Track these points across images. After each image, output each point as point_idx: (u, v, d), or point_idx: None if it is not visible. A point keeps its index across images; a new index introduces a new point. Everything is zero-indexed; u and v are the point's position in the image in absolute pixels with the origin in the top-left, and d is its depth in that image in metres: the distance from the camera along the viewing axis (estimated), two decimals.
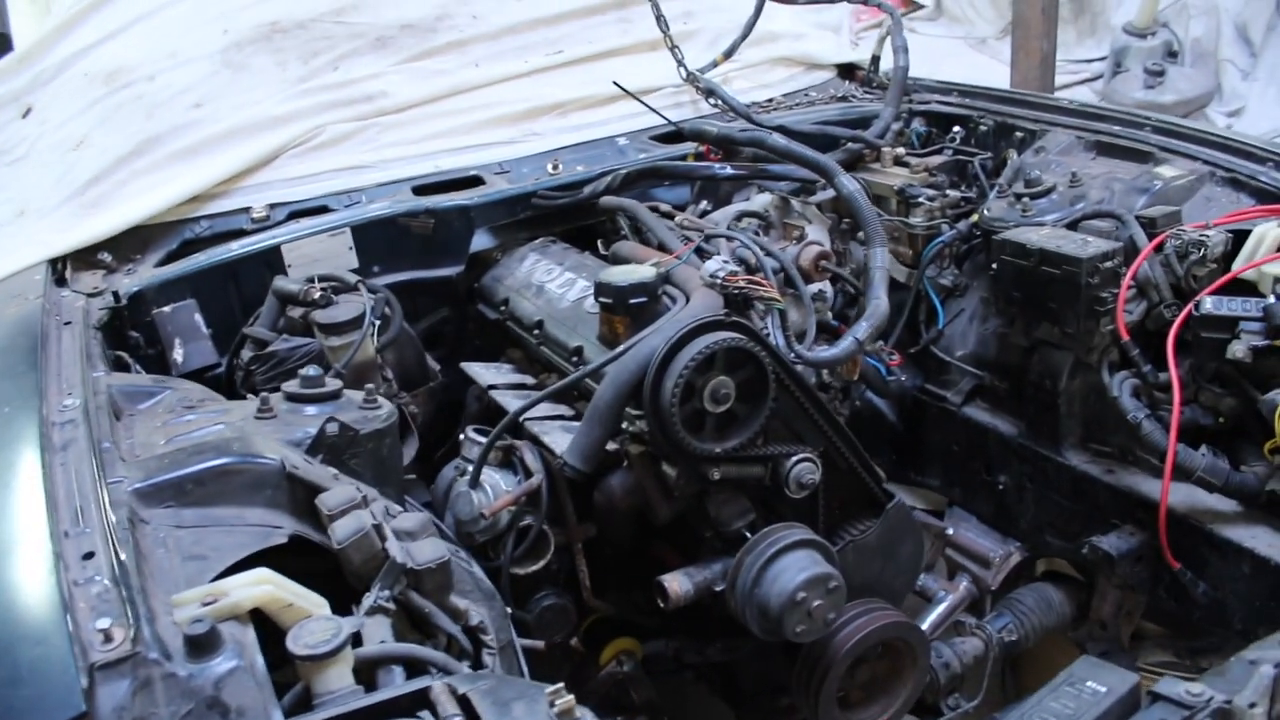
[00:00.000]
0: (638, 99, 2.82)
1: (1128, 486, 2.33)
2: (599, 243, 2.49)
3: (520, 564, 2.05)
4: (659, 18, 3.04)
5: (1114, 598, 2.45)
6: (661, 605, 1.95)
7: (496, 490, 2.03)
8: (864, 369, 2.47)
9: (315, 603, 1.47)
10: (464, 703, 1.29)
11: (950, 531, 2.68)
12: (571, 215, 2.66)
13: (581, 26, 3.19)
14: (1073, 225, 2.47)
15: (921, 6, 7.95)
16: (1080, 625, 2.56)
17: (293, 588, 1.46)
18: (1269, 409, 2.05)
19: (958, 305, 2.75)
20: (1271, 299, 2.13)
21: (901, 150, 2.91)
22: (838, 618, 1.92)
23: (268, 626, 1.41)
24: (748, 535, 1.93)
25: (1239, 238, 2.32)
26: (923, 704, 2.33)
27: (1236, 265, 2.26)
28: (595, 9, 3.25)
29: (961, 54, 7.13)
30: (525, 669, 1.74)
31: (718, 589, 1.95)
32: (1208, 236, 2.30)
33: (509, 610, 1.83)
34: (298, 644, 1.34)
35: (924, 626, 2.52)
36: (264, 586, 1.43)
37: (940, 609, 2.56)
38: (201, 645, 1.30)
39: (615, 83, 2.84)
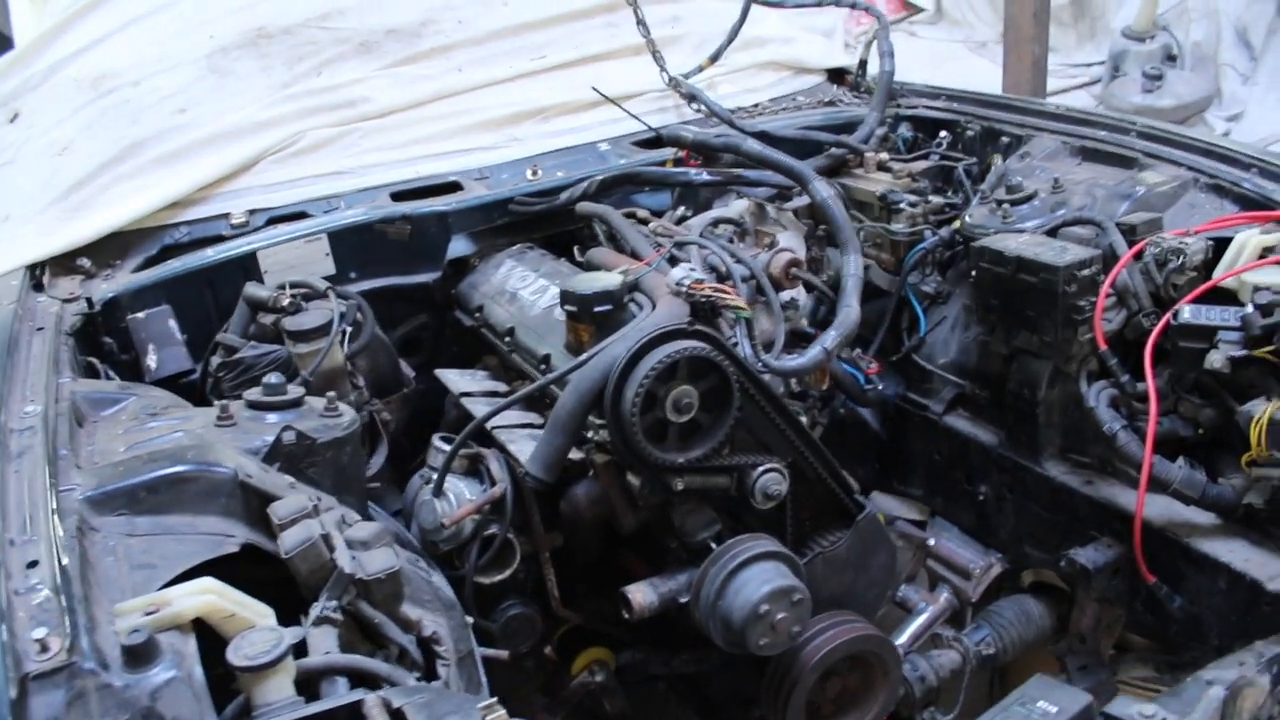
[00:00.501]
0: (616, 104, 2.80)
1: (1106, 498, 2.30)
2: (575, 249, 2.48)
3: (485, 573, 2.04)
4: (640, 22, 3.02)
5: (1093, 611, 2.41)
6: (626, 616, 1.94)
7: (460, 499, 2.02)
8: (842, 377, 2.45)
9: (260, 612, 1.46)
10: (398, 716, 1.27)
11: (931, 542, 2.65)
12: (549, 221, 2.64)
13: (567, 31, 3.18)
14: (1053, 232, 2.44)
15: (921, 10, 7.91)
16: (1061, 638, 2.53)
17: (236, 597, 1.45)
18: (1245, 420, 2.01)
19: (941, 313, 2.72)
20: (1250, 308, 2.09)
21: (885, 155, 2.89)
22: (803, 631, 1.90)
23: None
24: (713, 546, 1.91)
25: (1221, 245, 2.29)
26: (897, 717, 2.31)
27: (1217, 273, 2.24)
28: (581, 14, 3.24)
29: (961, 57, 7.10)
30: (485, 679, 1.72)
31: (683, 600, 1.94)
32: (1187, 244, 2.27)
33: (471, 620, 1.82)
34: (237, 655, 1.33)
35: (903, 638, 2.50)
36: (206, 596, 1.42)
37: (920, 621, 2.54)
38: (139, 655, 1.29)
39: (594, 88, 2.82)
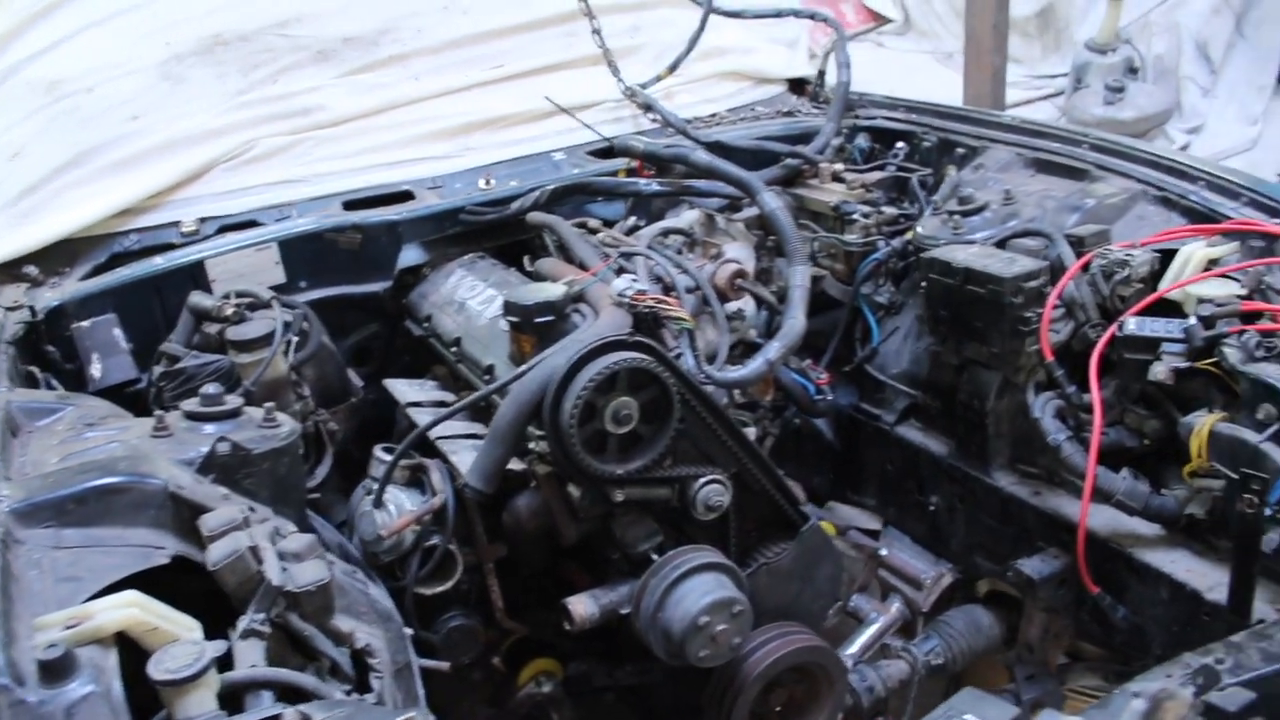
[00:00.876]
0: (569, 113, 2.80)
1: (1052, 509, 2.31)
2: (525, 259, 2.47)
3: (427, 584, 2.03)
4: (595, 32, 3.02)
5: (1040, 621, 2.42)
6: (567, 628, 1.93)
7: (400, 509, 2.01)
8: (792, 388, 2.45)
9: (185, 626, 1.45)
10: None
11: (883, 552, 2.65)
12: (500, 231, 2.64)
13: (526, 41, 3.17)
14: (1003, 243, 2.45)
15: (890, 20, 7.95)
16: (1012, 648, 2.53)
17: (161, 610, 1.43)
18: (1186, 432, 2.02)
19: (894, 323, 2.73)
20: (1193, 320, 2.10)
21: (840, 166, 2.89)
22: (745, 642, 1.90)
23: None
24: (654, 558, 1.91)
25: (1168, 257, 2.30)
26: None
27: (1162, 285, 2.25)
28: (540, 23, 3.23)
29: (929, 68, 7.13)
30: (422, 691, 1.71)
31: (624, 612, 1.93)
32: (1133, 256, 2.28)
33: (410, 631, 1.80)
34: (158, 668, 1.32)
35: (854, 648, 2.50)
36: (129, 610, 1.40)
37: (871, 631, 2.54)
38: (55, 670, 1.27)
39: (547, 97, 2.82)
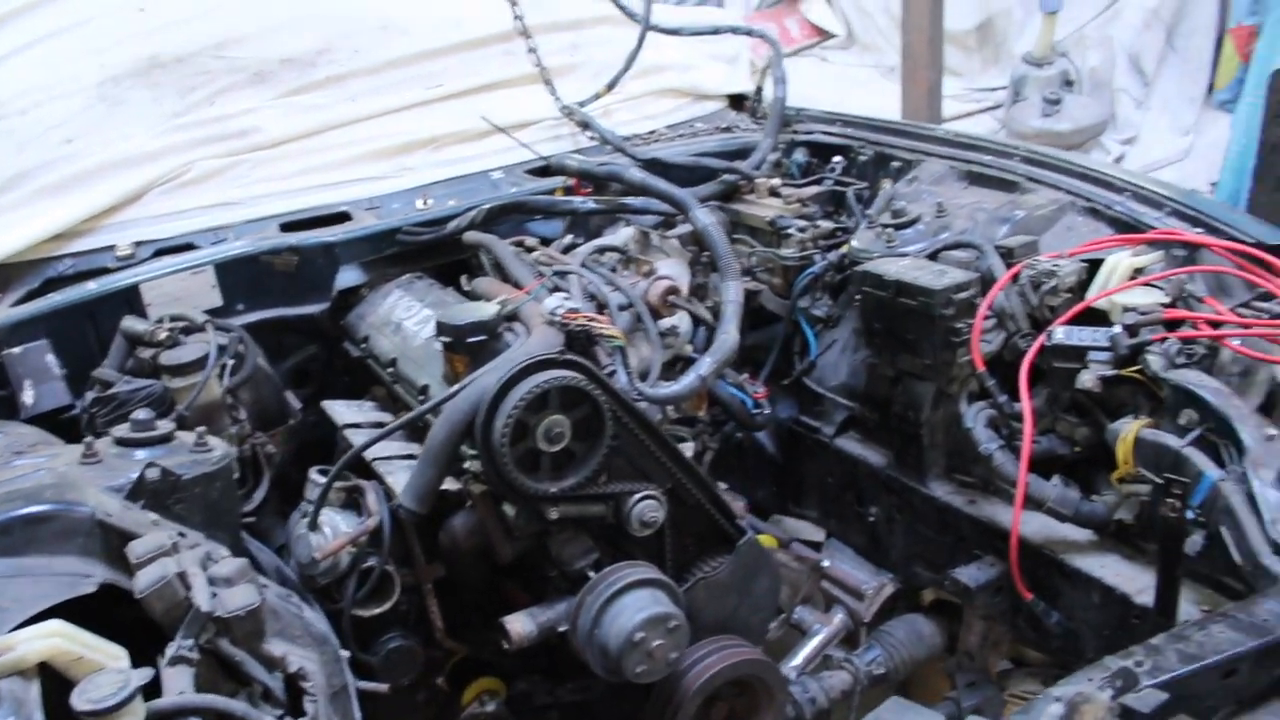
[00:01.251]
0: (505, 132, 2.81)
1: (987, 517, 2.34)
2: (463, 279, 2.48)
3: (365, 606, 2.02)
4: (532, 50, 3.04)
5: (979, 628, 2.45)
6: (506, 646, 1.93)
7: (336, 531, 2.00)
8: (729, 403, 2.47)
9: (111, 654, 1.43)
10: None
11: (825, 564, 2.68)
12: (438, 251, 2.64)
13: (465, 60, 3.18)
14: (934, 255, 2.49)
15: (833, 35, 8.03)
16: (952, 655, 2.56)
17: (86, 639, 1.42)
18: (1113, 438, 2.06)
19: (831, 336, 2.76)
20: (1119, 329, 2.15)
21: (777, 181, 2.92)
22: (682, 657, 1.91)
23: None
24: (591, 575, 1.91)
25: (1096, 267, 2.34)
26: None
27: (1089, 295, 2.29)
28: (478, 43, 3.24)
29: (872, 82, 7.21)
30: (359, 714, 1.70)
31: (562, 629, 1.93)
32: (1060, 266, 2.32)
33: (348, 654, 1.80)
34: (82, 699, 1.30)
35: (797, 660, 2.52)
36: (52, 640, 1.38)
37: (814, 642, 2.56)
38: None
39: (483, 117, 2.83)
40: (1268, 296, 2.21)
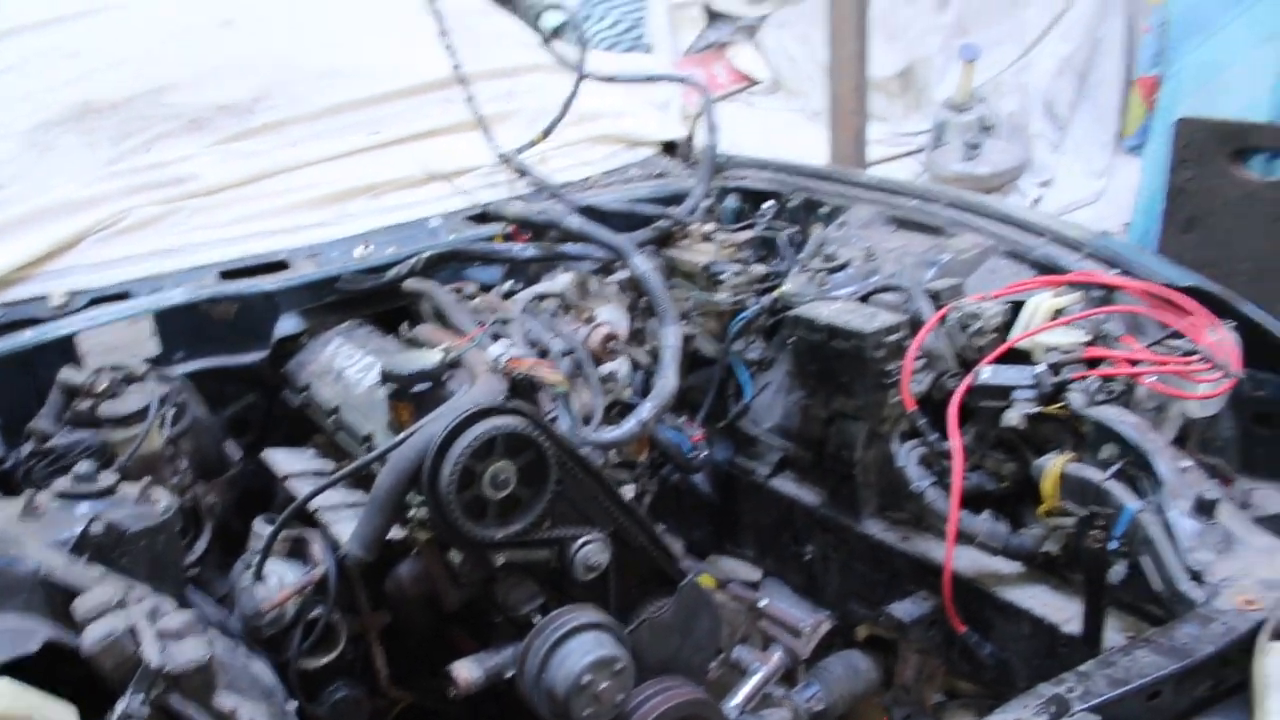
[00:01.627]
0: (444, 179, 2.85)
1: (920, 553, 2.41)
2: (404, 326, 2.50)
3: (311, 656, 2.02)
4: (470, 97, 3.08)
5: (914, 662, 2.52)
6: (453, 693, 1.94)
7: (282, 582, 2.01)
8: (667, 446, 2.52)
9: (59, 713, 1.43)
10: None
11: (763, 603, 2.72)
12: (378, 299, 2.65)
13: (404, 107, 3.21)
14: (865, 298, 2.57)
15: (759, 81, 8.22)
16: (889, 689, 2.62)
17: (33, 699, 1.42)
18: (1038, 474, 2.15)
19: (766, 378, 2.82)
20: (1042, 368, 2.24)
21: (711, 226, 2.99)
22: (628, 699, 1.94)
23: None
24: (537, 619, 1.94)
25: (1019, 308, 2.44)
26: None
27: (1012, 335, 2.38)
28: (417, 89, 3.27)
29: (799, 127, 7.38)
30: None
31: (509, 675, 1.96)
32: (985, 309, 2.41)
33: (295, 704, 1.80)
34: None
35: (737, 699, 2.55)
36: None
37: (753, 681, 2.59)
38: None
39: (422, 163, 2.86)
40: (1178, 335, 2.31)
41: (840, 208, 3.05)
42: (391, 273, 2.58)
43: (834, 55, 5.09)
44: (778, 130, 6.55)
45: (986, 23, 7.31)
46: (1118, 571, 1.99)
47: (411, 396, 2.00)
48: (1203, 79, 4.66)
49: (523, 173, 3.06)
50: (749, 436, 2.79)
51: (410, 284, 2.55)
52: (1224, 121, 4.53)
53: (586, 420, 2.21)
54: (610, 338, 2.33)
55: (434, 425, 1.86)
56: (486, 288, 2.62)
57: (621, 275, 2.61)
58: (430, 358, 2.04)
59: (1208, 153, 4.54)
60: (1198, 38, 4.68)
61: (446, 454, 1.80)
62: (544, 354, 2.23)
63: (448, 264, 2.64)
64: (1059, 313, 2.39)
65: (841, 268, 2.69)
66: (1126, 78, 6.79)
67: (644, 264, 2.38)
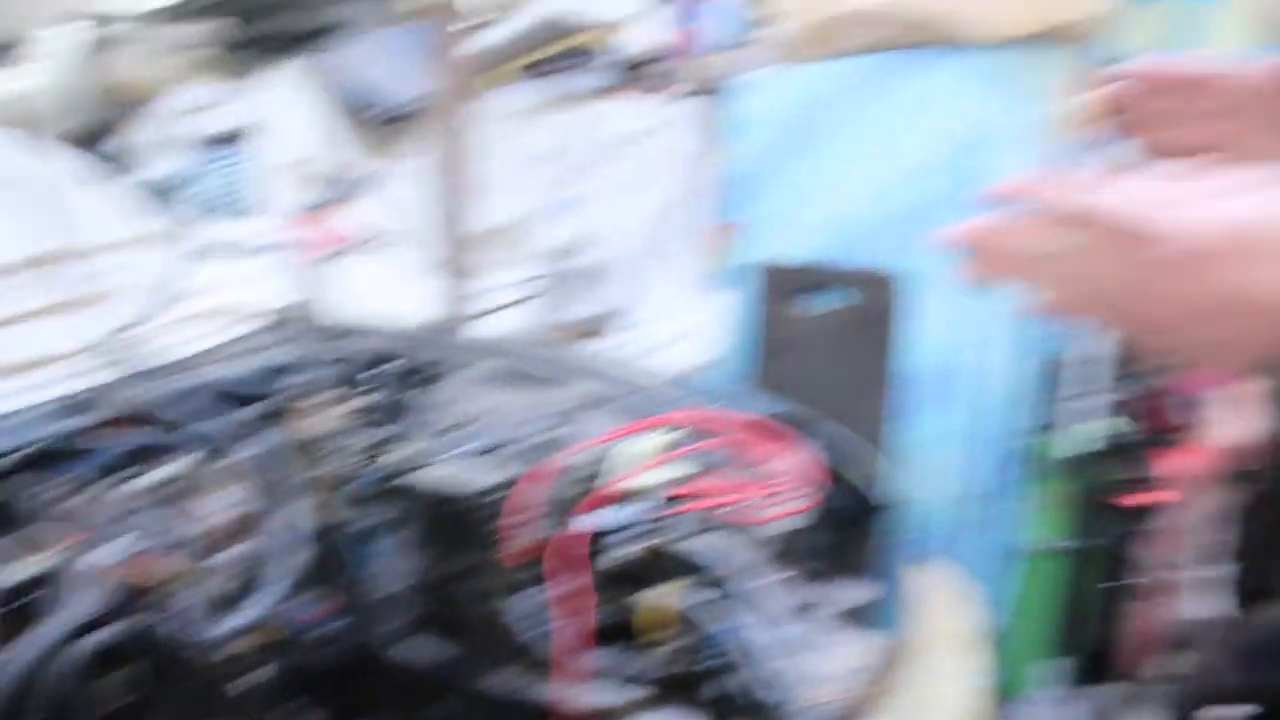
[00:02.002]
0: (34, 367, 2.75)
1: (546, 698, 2.54)
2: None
3: None
4: (64, 277, 3.01)
5: None
6: None
7: None
8: (294, 625, 2.52)
9: None
10: None
11: None
12: None
13: None
14: (478, 456, 2.73)
15: (369, 239, 8.41)
16: None
17: None
18: (638, 606, 2.37)
19: (385, 544, 2.88)
20: (646, 505, 2.48)
21: (331, 395, 3.05)
22: None
23: None
24: None
25: (624, 450, 2.68)
26: None
27: (619, 477, 2.62)
28: (6, 270, 3.15)
29: (406, 282, 7.60)
30: None
31: None
32: (591, 455, 2.64)
33: None
34: None
35: None
36: None
37: None
38: None
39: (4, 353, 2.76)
40: (769, 459, 2.64)
41: (450, 368, 3.22)
42: None
43: (443, 209, 5.35)
44: (390, 285, 6.68)
45: (578, 176, 7.97)
46: (718, 687, 2.23)
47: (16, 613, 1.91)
48: (771, 226, 5.32)
49: (122, 356, 3.00)
50: (371, 604, 2.83)
51: (15, 481, 2.42)
52: (789, 264, 5.20)
53: (213, 609, 2.18)
54: (234, 520, 2.33)
55: (41, 636, 1.79)
56: (91, 481, 2.53)
57: (240, 455, 2.61)
58: (33, 565, 1.97)
59: (779, 291, 5.17)
60: (763, 191, 5.37)
61: (53, 668, 1.75)
62: (164, 546, 2.19)
63: (47, 460, 2.53)
64: (662, 451, 2.66)
65: (453, 429, 2.84)
66: (705, 226, 7.62)
67: (256, 445, 2.41)
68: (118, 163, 7.72)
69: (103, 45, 9.36)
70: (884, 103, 5.24)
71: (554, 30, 8.10)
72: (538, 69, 8.31)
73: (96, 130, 8.99)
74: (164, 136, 8.52)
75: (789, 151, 5.44)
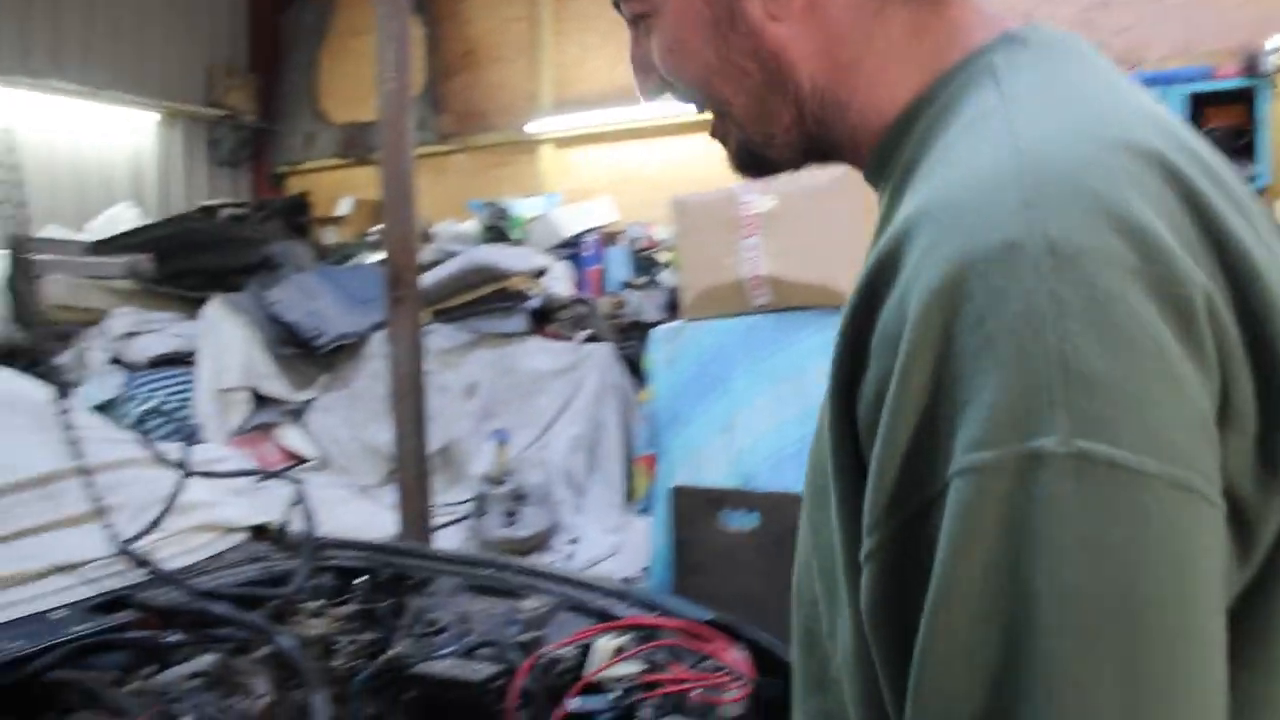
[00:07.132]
0: (69, 570, 3.06)
1: None
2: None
3: None
4: (94, 500, 3.35)
5: None
6: None
7: None
8: None
9: None
10: None
11: None
12: (19, 695, 2.76)
13: (7, 504, 3.39)
14: (467, 654, 3.11)
15: (309, 460, 8.77)
16: None
17: None
18: None
19: None
20: (615, 694, 2.89)
21: (319, 602, 3.41)
22: None
23: None
24: None
25: (588, 649, 3.10)
26: None
27: (587, 672, 3.03)
28: (14, 487, 3.47)
29: (350, 501, 7.94)
30: None
31: None
32: (562, 653, 3.06)
33: None
34: None
35: None
36: None
37: None
38: None
39: (44, 558, 3.07)
40: (708, 657, 3.08)
41: (426, 579, 3.61)
42: (35, 664, 2.73)
43: (398, 446, 5.76)
44: (333, 504, 7.01)
45: (508, 409, 8.62)
46: None
47: None
48: (685, 456, 5.90)
49: (142, 562, 3.33)
50: None
51: (53, 676, 2.70)
52: (706, 489, 5.76)
53: None
54: (268, 708, 2.65)
55: None
56: (130, 674, 2.83)
57: (263, 651, 2.94)
58: None
59: (698, 513, 5.70)
60: (678, 426, 5.97)
61: None
62: None
63: (90, 654, 2.83)
64: (619, 650, 3.09)
65: (441, 631, 3.22)
66: (628, 454, 8.22)
67: (287, 640, 2.76)
68: (55, 384, 7.99)
69: (36, 271, 9.75)
70: (781, 352, 5.95)
71: (482, 274, 8.82)
72: (466, 310, 9.00)
73: (22, 351, 9.26)
74: (100, 360, 8.85)
75: (700, 391, 6.10)
